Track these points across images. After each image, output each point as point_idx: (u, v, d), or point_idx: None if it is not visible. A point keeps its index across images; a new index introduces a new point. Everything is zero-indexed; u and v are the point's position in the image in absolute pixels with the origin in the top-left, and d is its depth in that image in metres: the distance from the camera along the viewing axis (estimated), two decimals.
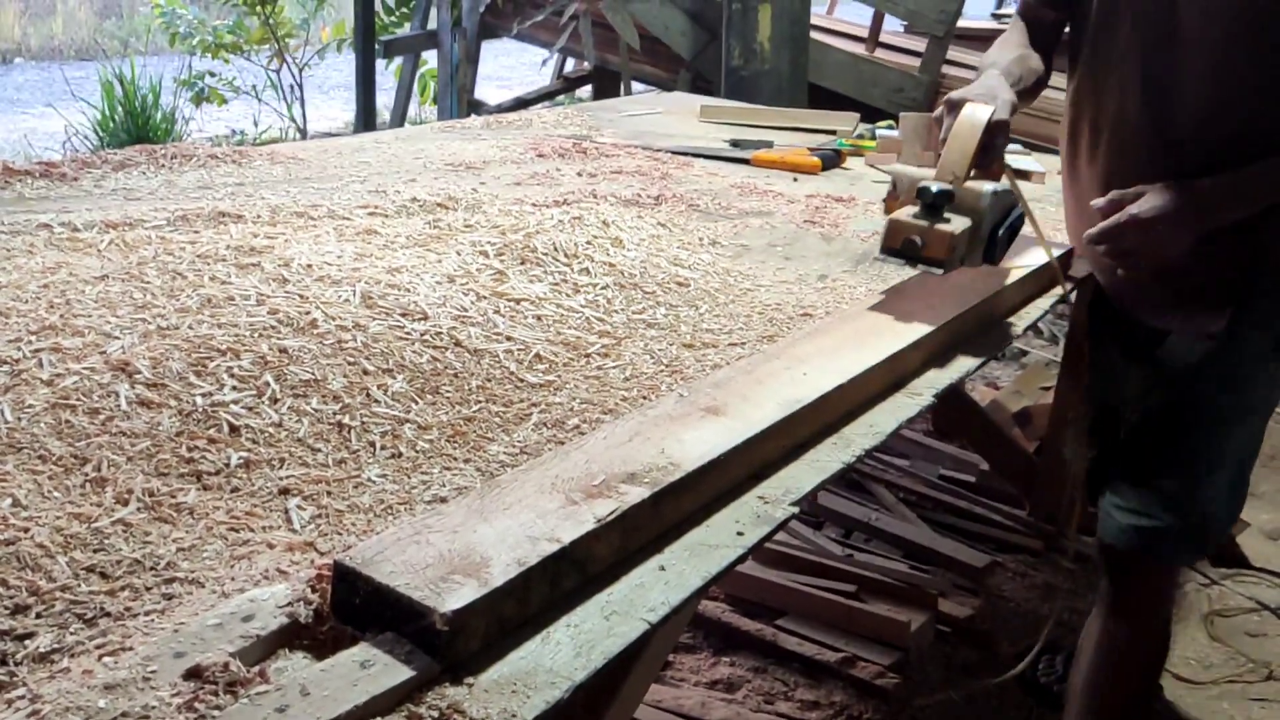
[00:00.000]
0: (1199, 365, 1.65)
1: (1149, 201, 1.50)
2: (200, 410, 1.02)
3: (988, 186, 1.40)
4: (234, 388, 1.06)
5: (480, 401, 1.14)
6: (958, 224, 1.36)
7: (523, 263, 1.49)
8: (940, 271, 1.35)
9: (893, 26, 5.33)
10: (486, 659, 0.74)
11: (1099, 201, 1.57)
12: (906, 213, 1.38)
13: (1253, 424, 1.67)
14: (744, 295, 1.53)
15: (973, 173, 1.43)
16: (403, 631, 0.73)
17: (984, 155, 1.43)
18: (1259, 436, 1.68)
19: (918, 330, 1.33)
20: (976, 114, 1.44)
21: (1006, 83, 1.56)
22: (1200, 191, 1.50)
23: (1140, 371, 1.76)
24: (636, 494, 0.89)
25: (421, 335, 1.23)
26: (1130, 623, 1.72)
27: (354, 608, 0.76)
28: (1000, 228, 1.44)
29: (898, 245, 1.36)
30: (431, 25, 6.26)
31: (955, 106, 1.49)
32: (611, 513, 0.86)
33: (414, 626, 0.73)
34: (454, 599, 0.73)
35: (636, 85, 5.54)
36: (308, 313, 1.22)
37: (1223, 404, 1.64)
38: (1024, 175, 2.30)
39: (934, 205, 1.36)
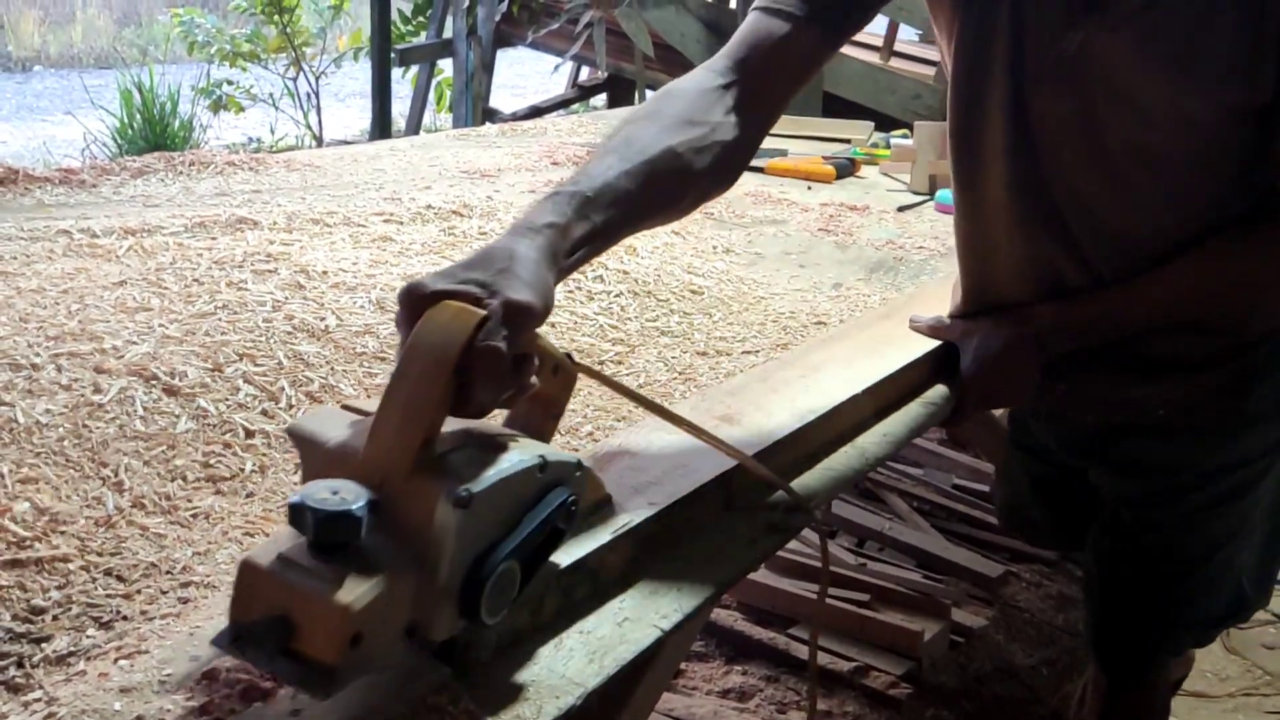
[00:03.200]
0: (1182, 472, 1.32)
1: (980, 349, 1.24)
2: (216, 415, 1.03)
3: (456, 484, 0.67)
4: (250, 393, 1.07)
5: None
6: (365, 585, 0.63)
7: None
8: (326, 684, 0.62)
9: (908, 36, 5.33)
10: (500, 666, 0.74)
11: (919, 324, 1.32)
12: (276, 547, 0.65)
13: (1267, 495, 1.35)
14: (758, 303, 1.53)
15: (455, 437, 0.72)
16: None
17: (466, 407, 0.72)
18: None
19: (932, 339, 1.33)
20: (445, 333, 0.71)
21: (548, 242, 0.81)
22: (1040, 333, 1.23)
23: (1101, 473, 1.42)
24: (649, 504, 0.89)
25: None
26: (1132, 705, 1.54)
27: None
28: (501, 548, 0.70)
29: (246, 620, 0.64)
30: (447, 34, 6.29)
31: (414, 307, 0.74)
32: (624, 524, 0.86)
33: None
34: None
35: (651, 93, 5.55)
36: (323, 319, 1.23)
37: (1232, 518, 1.34)
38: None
39: (322, 544, 0.64)
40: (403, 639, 0.68)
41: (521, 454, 0.73)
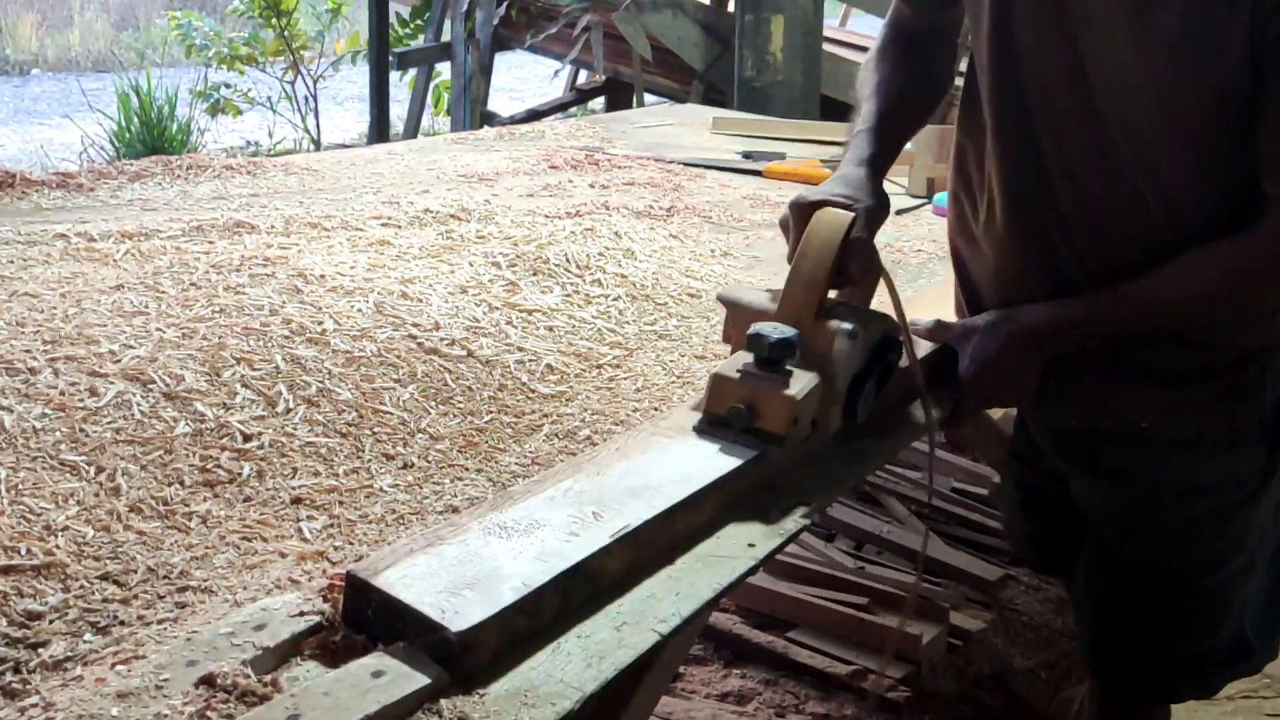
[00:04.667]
0: (1161, 485, 1.31)
1: (977, 351, 1.26)
2: (214, 419, 1.03)
3: (846, 326, 1.05)
4: (247, 397, 1.07)
5: (492, 412, 1.15)
6: (802, 383, 1.01)
7: (535, 274, 1.49)
8: (779, 450, 1.00)
9: None
10: (498, 670, 0.74)
11: (918, 328, 1.32)
12: (734, 366, 1.02)
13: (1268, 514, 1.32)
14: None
15: (831, 301, 1.10)
16: (415, 642, 0.73)
17: (841, 279, 1.10)
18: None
19: (931, 343, 1.33)
20: (829, 227, 1.09)
21: (875, 165, 1.23)
22: (1038, 334, 1.25)
23: (1082, 481, 1.41)
24: (648, 508, 0.89)
25: (434, 346, 1.23)
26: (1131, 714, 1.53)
27: (365, 618, 0.76)
28: (867, 378, 1.09)
29: (722, 412, 1.00)
30: (445, 37, 6.29)
31: (803, 212, 1.12)
32: (624, 527, 0.86)
33: (426, 638, 0.73)
34: (465, 616, 0.73)
35: (649, 97, 5.55)
36: (321, 323, 1.22)
37: (1217, 544, 1.31)
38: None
39: (771, 359, 1.00)
40: (810, 427, 1.03)
41: (872, 315, 1.11)
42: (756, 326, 1.01)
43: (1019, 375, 1.27)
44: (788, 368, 1.01)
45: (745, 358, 1.01)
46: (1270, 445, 1.27)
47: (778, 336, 0.99)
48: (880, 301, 1.18)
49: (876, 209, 1.15)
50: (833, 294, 1.12)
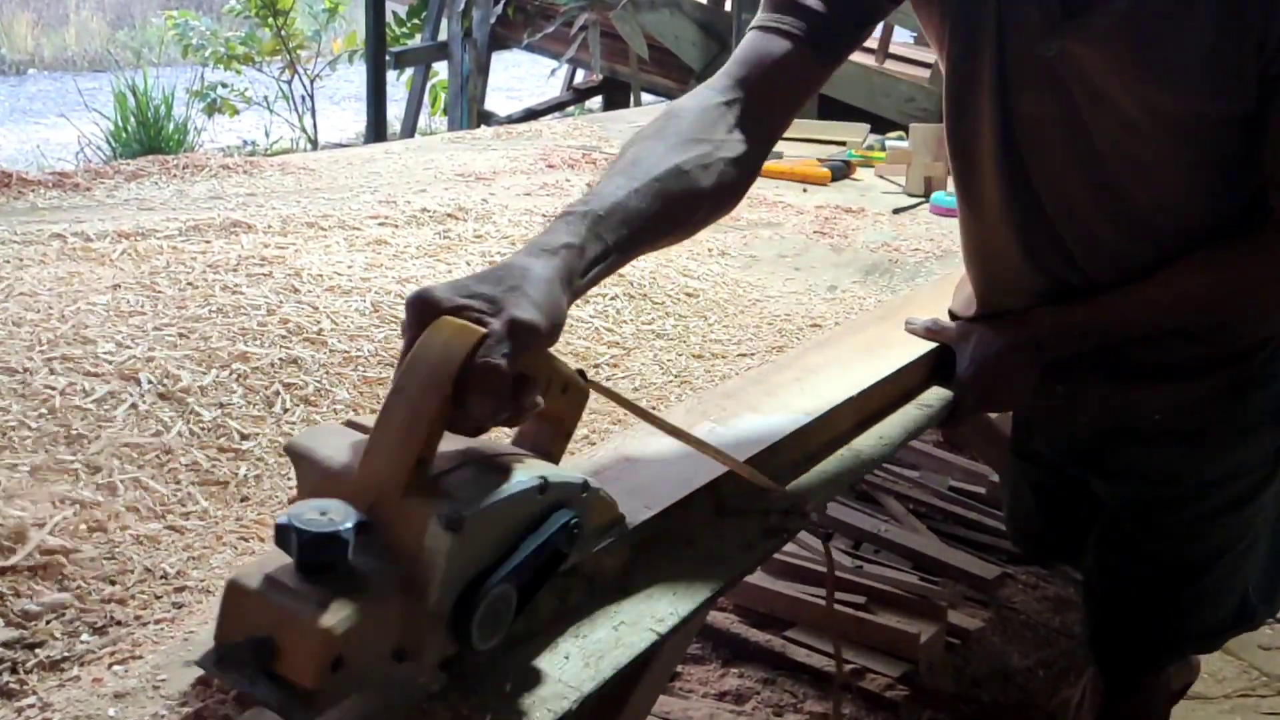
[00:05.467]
0: (1179, 481, 1.32)
1: (976, 352, 1.25)
2: (210, 419, 1.03)
3: (443, 509, 0.67)
4: (244, 397, 1.07)
5: None
6: (347, 610, 0.62)
7: None
8: (306, 710, 0.62)
9: (903, 38, 5.34)
10: (495, 671, 0.74)
11: (915, 326, 1.33)
12: (265, 568, 0.64)
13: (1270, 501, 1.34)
14: (753, 306, 1.53)
15: (451, 456, 0.71)
16: None
17: (465, 423, 0.72)
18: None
19: (928, 341, 1.33)
20: (444, 348, 0.71)
21: (564, 263, 0.80)
22: (1038, 336, 1.24)
23: (1100, 483, 1.41)
24: (645, 507, 0.89)
25: None
26: (1131, 708, 1.54)
27: None
28: (496, 582, 0.69)
29: (231, 641, 0.63)
30: (442, 37, 6.29)
31: (419, 317, 0.73)
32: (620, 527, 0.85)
33: None
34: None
35: (646, 96, 5.56)
36: (318, 322, 1.22)
37: (1232, 529, 1.33)
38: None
39: (307, 564, 0.63)
40: (390, 662, 0.67)
41: (522, 474, 0.71)
42: (295, 509, 0.63)
43: (1018, 377, 1.26)
44: (344, 574, 0.64)
45: (284, 557, 0.64)
46: None
47: (314, 530, 0.62)
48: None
49: (530, 324, 0.74)
50: (493, 439, 0.78)
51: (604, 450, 0.99)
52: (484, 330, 0.71)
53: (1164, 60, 1.08)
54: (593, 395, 0.83)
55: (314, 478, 0.71)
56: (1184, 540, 1.35)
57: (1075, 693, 1.81)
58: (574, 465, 0.96)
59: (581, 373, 0.83)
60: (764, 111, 1.05)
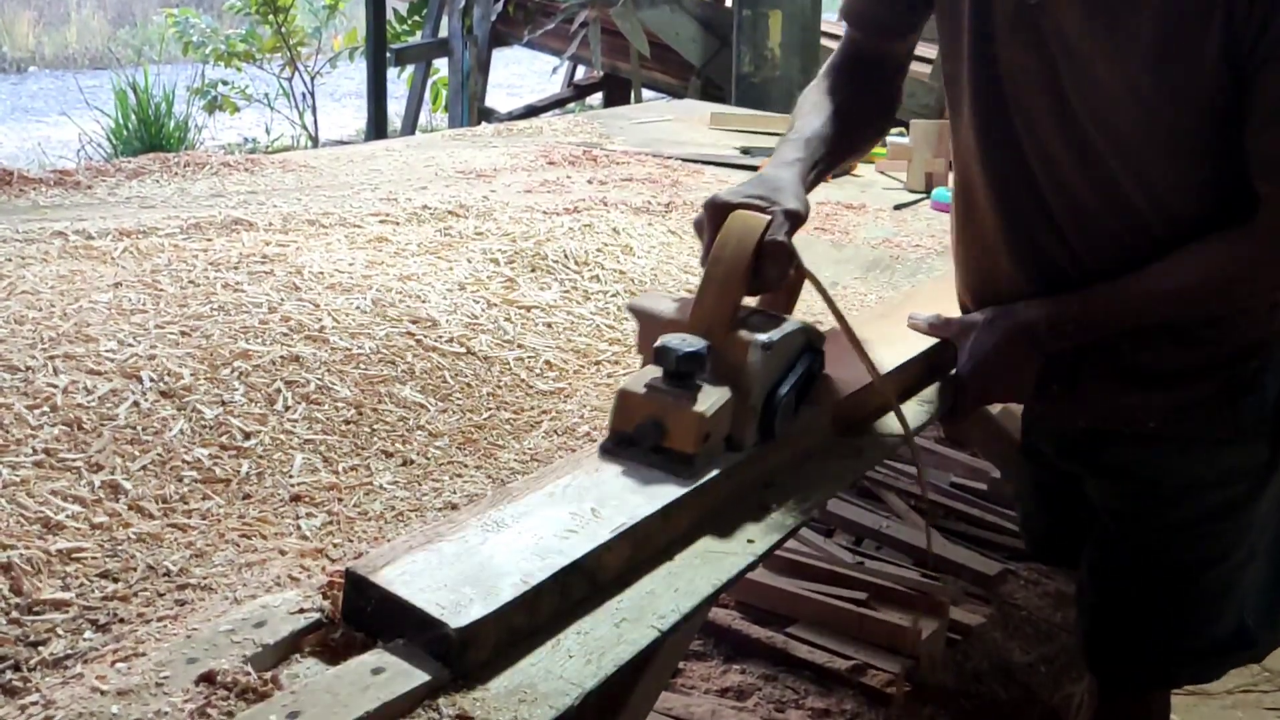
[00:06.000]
0: (1165, 483, 1.31)
1: (976, 346, 1.26)
2: (212, 417, 1.03)
3: (760, 338, 0.98)
4: (245, 394, 1.07)
5: (491, 409, 1.15)
6: (712, 399, 0.94)
7: (533, 270, 1.49)
8: (688, 470, 0.93)
9: None
10: (497, 666, 0.74)
11: (918, 323, 1.34)
12: (642, 380, 0.95)
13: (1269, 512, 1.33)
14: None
15: (747, 309, 1.04)
16: (414, 639, 0.74)
17: (758, 286, 1.05)
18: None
19: (928, 337, 1.33)
20: (742, 231, 1.03)
21: (799, 169, 1.16)
22: (1035, 330, 1.24)
23: (1090, 481, 1.41)
24: (647, 504, 0.89)
25: (432, 342, 1.23)
26: (1129, 712, 1.52)
27: (365, 615, 0.76)
28: (783, 386, 1.02)
29: (629, 429, 0.94)
30: (443, 33, 6.29)
31: (717, 214, 1.06)
32: (623, 524, 0.86)
33: (425, 635, 0.73)
34: (465, 612, 0.73)
35: (647, 92, 5.55)
36: (319, 320, 1.22)
37: (1221, 539, 1.31)
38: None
39: (679, 374, 0.94)
40: (724, 444, 0.96)
41: (791, 323, 1.03)
42: (664, 339, 0.94)
43: (1016, 371, 1.27)
44: (697, 382, 0.94)
45: (654, 372, 0.94)
46: (1272, 441, 1.27)
47: (685, 349, 0.93)
48: (808, 311, 1.18)
49: (796, 211, 1.07)
50: (753, 300, 1.08)
51: (605, 446, 0.99)
52: (769, 217, 1.03)
53: (1126, 22, 1.10)
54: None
55: (653, 325, 1.02)
56: (1171, 546, 1.34)
57: (1077, 693, 1.81)
58: (573, 461, 0.96)
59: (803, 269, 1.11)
60: (873, 85, 1.36)
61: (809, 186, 1.16)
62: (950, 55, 1.28)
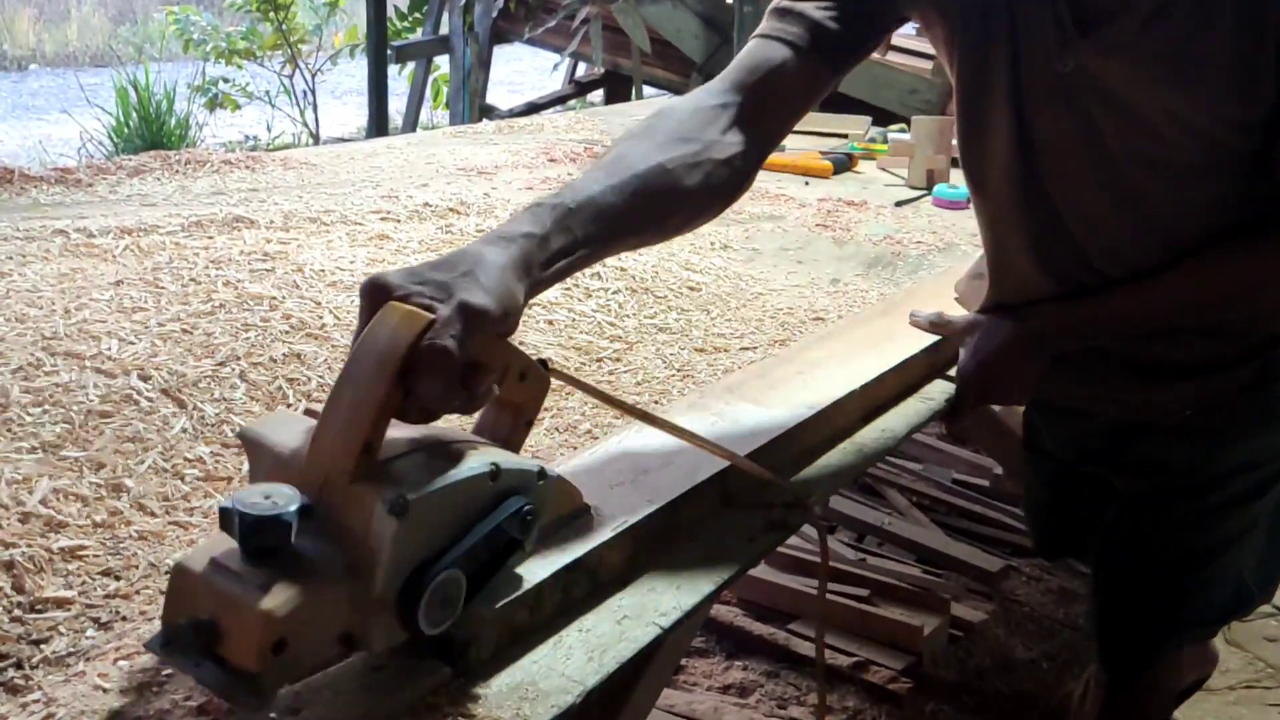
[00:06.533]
0: (1197, 472, 1.31)
1: (979, 346, 1.23)
2: (214, 415, 1.03)
3: (389, 494, 0.66)
4: (247, 392, 1.07)
5: None
6: (288, 592, 0.62)
7: None
8: (253, 692, 0.62)
9: (905, 30, 5.32)
10: (499, 664, 0.74)
11: (919, 320, 1.32)
12: (211, 552, 0.65)
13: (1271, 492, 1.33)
14: (755, 299, 1.53)
15: (401, 443, 0.71)
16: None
17: (413, 407, 0.71)
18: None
19: (930, 335, 1.33)
20: (391, 333, 0.70)
21: (517, 252, 0.80)
22: (1043, 332, 1.22)
23: (1118, 479, 1.40)
24: (648, 502, 0.89)
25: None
26: (1134, 701, 1.53)
27: None
28: (443, 568, 0.69)
29: (175, 623, 0.64)
30: (443, 30, 6.28)
31: (371, 301, 0.74)
32: (623, 522, 0.86)
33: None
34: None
35: (648, 89, 5.55)
36: (320, 318, 1.22)
37: (1245, 518, 1.32)
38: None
39: (251, 550, 0.64)
40: (336, 647, 0.67)
41: (474, 460, 0.71)
42: (238, 495, 0.64)
43: (1021, 372, 1.24)
44: (295, 558, 0.64)
45: (229, 541, 0.64)
46: None
47: (257, 512, 0.63)
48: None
49: (482, 309, 0.73)
50: (451, 426, 0.82)
51: (607, 445, 0.99)
52: (432, 316, 0.71)
53: (1188, 68, 1.06)
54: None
55: (266, 464, 0.72)
56: (1198, 530, 1.34)
57: (1078, 686, 1.81)
58: (575, 460, 0.96)
59: (544, 362, 0.83)
60: (761, 115, 1.04)
61: (539, 279, 0.82)
62: (974, 131, 1.20)
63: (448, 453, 0.72)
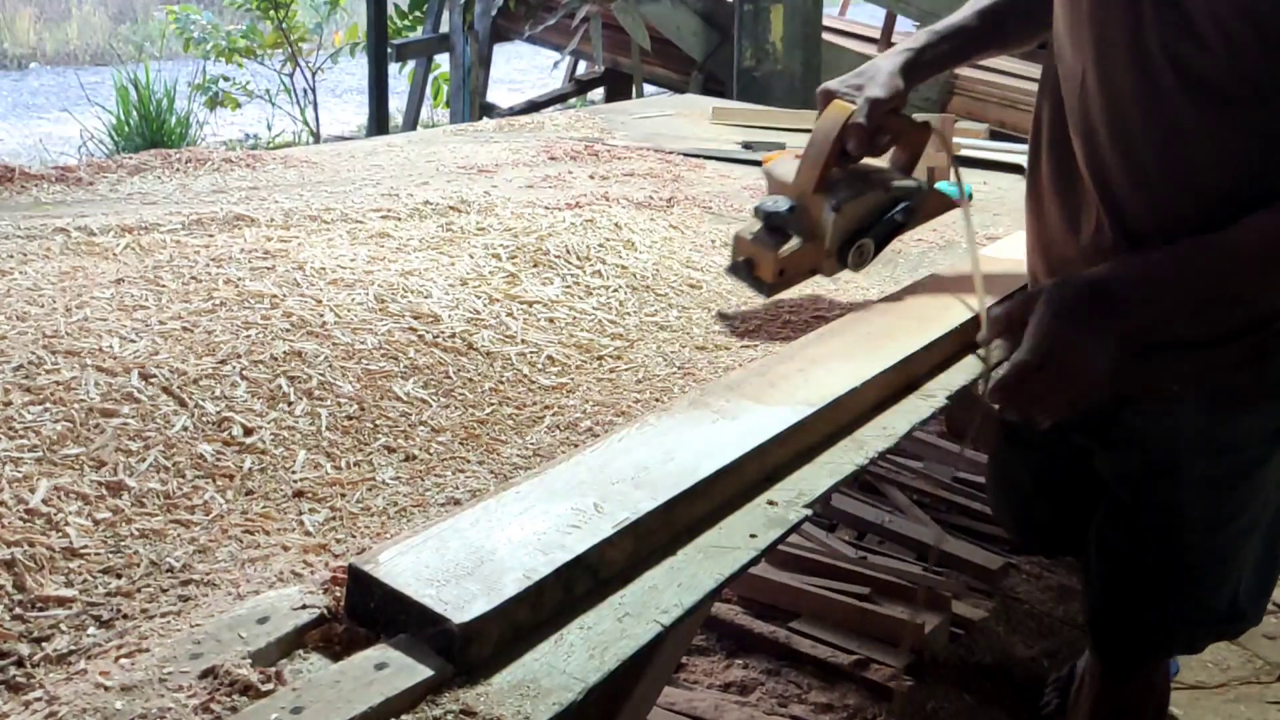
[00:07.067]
0: (1179, 446, 1.30)
1: (1039, 324, 1.11)
2: (214, 413, 1.03)
3: (831, 201, 1.34)
4: (248, 390, 1.07)
5: (493, 404, 1.15)
6: (790, 244, 1.35)
7: (535, 265, 1.49)
8: (764, 290, 1.37)
9: (905, 27, 5.32)
10: (500, 661, 0.74)
11: (992, 324, 1.19)
12: (750, 228, 1.38)
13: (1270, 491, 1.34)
14: (755, 297, 1.53)
15: (838, 173, 1.36)
16: (417, 634, 0.74)
17: (847, 157, 1.34)
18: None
19: (931, 332, 1.33)
20: (829, 117, 1.35)
21: (902, 60, 1.37)
22: (1108, 292, 1.11)
23: (1102, 451, 1.40)
24: (649, 499, 0.89)
25: (434, 338, 1.23)
26: (1128, 693, 1.57)
27: (368, 610, 0.76)
28: (862, 236, 1.38)
29: (735, 262, 1.39)
30: (444, 29, 6.28)
31: (821, 100, 1.37)
32: (625, 519, 0.86)
33: (428, 631, 0.73)
34: (468, 608, 0.73)
35: (648, 87, 5.54)
36: (321, 316, 1.22)
37: (1228, 504, 1.33)
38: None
39: (768, 225, 1.36)
40: (808, 274, 1.41)
41: (874, 187, 1.38)
42: (762, 199, 1.37)
43: (1092, 351, 1.09)
44: (789, 231, 1.35)
45: (758, 224, 1.38)
46: None
47: (770, 208, 1.35)
48: None
49: (877, 98, 1.31)
50: (880, 160, 1.42)
51: (607, 441, 0.99)
52: (853, 106, 1.32)
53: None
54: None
55: (774, 184, 1.39)
56: (1180, 509, 1.34)
57: (1077, 676, 1.81)
58: (575, 456, 0.96)
59: (926, 123, 1.42)
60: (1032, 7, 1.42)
61: (920, 75, 1.37)
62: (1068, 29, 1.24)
63: (866, 178, 1.38)
